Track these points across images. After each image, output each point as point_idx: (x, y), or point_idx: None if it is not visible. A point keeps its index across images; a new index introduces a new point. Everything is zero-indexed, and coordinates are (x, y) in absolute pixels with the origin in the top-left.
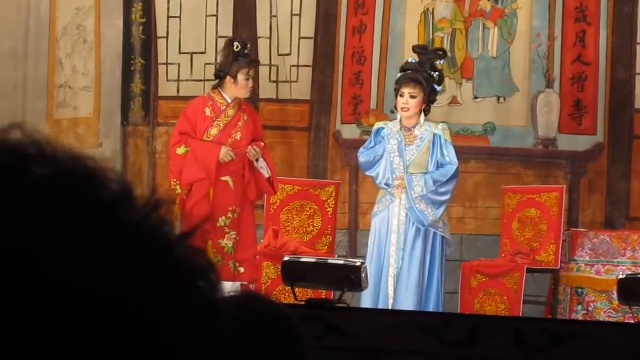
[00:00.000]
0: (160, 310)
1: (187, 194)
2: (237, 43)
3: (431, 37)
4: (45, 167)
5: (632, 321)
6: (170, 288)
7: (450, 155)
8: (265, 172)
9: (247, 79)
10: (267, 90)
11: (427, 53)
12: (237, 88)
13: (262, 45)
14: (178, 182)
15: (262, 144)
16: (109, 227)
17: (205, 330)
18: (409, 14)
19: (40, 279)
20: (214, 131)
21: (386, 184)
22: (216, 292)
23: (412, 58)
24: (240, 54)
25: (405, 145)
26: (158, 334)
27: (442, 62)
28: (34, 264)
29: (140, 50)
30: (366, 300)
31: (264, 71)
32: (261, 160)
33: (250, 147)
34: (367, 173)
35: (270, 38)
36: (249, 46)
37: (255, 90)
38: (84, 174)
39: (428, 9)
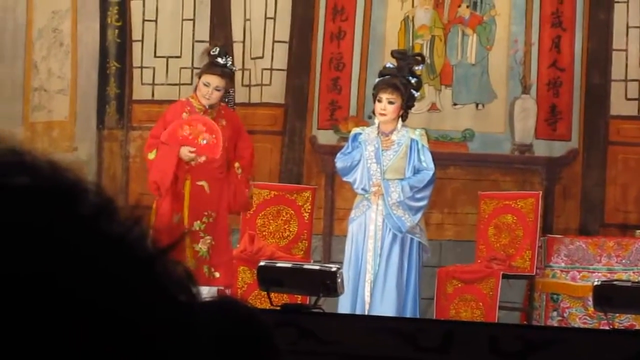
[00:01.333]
0: (141, 325)
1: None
2: (215, 48)
3: (411, 43)
4: (25, 177)
5: (607, 327)
6: (151, 302)
7: (427, 160)
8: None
9: (206, 85)
10: (239, 95)
11: (406, 58)
12: (198, 92)
13: (237, 49)
14: (148, 186)
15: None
16: (90, 239)
17: (185, 342)
18: (389, 20)
19: (17, 291)
20: None
21: (363, 189)
22: (196, 304)
23: (390, 63)
24: (212, 59)
25: (383, 150)
26: (138, 347)
27: (420, 67)
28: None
29: (115, 54)
30: (343, 306)
31: (236, 75)
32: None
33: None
34: (345, 179)
35: (243, 42)
36: (225, 57)
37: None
38: (64, 185)
39: (408, 16)
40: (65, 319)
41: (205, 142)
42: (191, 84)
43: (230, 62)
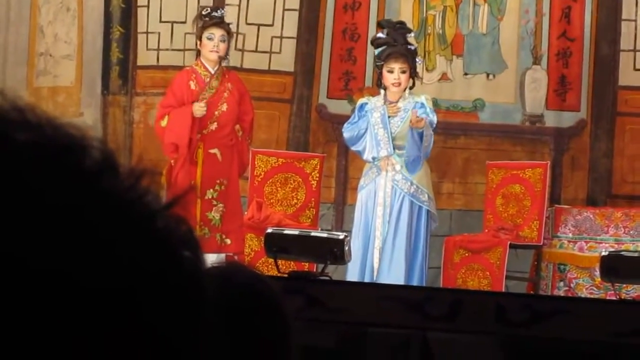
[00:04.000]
0: (142, 285)
1: (175, 162)
2: (205, 8)
3: (424, 15)
4: (28, 134)
5: (614, 298)
6: (152, 260)
7: (431, 115)
8: None
9: (210, 39)
10: (232, 59)
11: (396, 27)
12: (203, 49)
13: (232, 13)
14: (164, 151)
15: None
16: (91, 196)
17: (189, 304)
18: None
19: (13, 248)
20: None
21: (373, 157)
22: (200, 261)
23: (380, 33)
24: (206, 16)
25: (389, 117)
26: (142, 310)
27: (412, 35)
28: (11, 236)
29: (120, 19)
30: (352, 273)
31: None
32: None
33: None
34: (353, 148)
35: (239, 5)
36: (219, 10)
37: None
38: (66, 141)
39: None
40: (64, 275)
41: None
42: (195, 49)
43: (224, 14)
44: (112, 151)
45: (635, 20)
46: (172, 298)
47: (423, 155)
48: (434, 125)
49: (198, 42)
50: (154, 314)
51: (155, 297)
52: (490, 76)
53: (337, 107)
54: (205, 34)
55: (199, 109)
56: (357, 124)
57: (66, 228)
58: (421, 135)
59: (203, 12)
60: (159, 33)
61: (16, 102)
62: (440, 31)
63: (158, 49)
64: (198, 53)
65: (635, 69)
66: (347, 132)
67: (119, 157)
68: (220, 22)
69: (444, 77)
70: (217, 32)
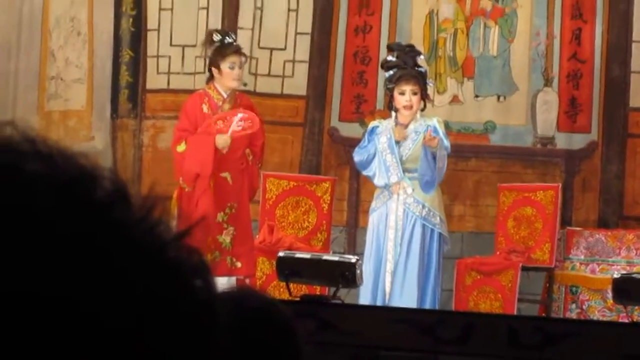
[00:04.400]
0: (155, 314)
1: (194, 189)
2: (216, 33)
3: (435, 37)
4: (39, 165)
5: (626, 320)
6: (165, 290)
7: (445, 140)
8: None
9: (232, 68)
10: (251, 84)
11: (406, 51)
12: (223, 78)
13: (244, 37)
14: (183, 179)
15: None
16: (102, 227)
17: (202, 331)
18: (414, 15)
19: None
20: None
21: (385, 184)
22: (212, 289)
23: (390, 56)
24: (221, 43)
25: (396, 142)
26: (154, 338)
27: (422, 57)
28: (23, 268)
29: (129, 42)
30: (364, 296)
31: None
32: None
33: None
34: (364, 173)
35: (252, 29)
36: (231, 35)
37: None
38: (77, 172)
39: (432, 10)
40: (76, 305)
41: (240, 127)
42: (204, 72)
43: (235, 40)
44: (123, 181)
45: None
46: (185, 326)
47: (438, 177)
48: (448, 151)
49: (216, 70)
50: (167, 343)
51: (168, 326)
52: (501, 98)
53: (349, 130)
54: (226, 64)
55: (223, 142)
56: (367, 148)
57: (78, 258)
58: (434, 156)
59: (215, 38)
60: (170, 57)
61: (27, 133)
62: (451, 53)
63: (169, 73)
64: (211, 77)
65: None
66: (357, 155)
67: (130, 185)
68: (239, 49)
69: (455, 99)
70: (237, 60)
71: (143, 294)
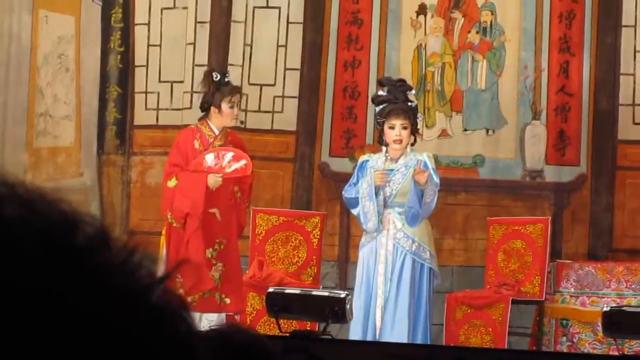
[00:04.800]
0: (135, 357)
1: (182, 225)
2: (215, 73)
3: (423, 71)
4: (18, 209)
5: (617, 353)
6: (145, 335)
7: (435, 177)
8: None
9: (232, 107)
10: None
11: (397, 85)
12: (222, 117)
13: (234, 74)
14: (172, 215)
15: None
16: (83, 272)
17: None
18: (402, 49)
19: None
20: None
21: (368, 229)
22: (192, 333)
23: (381, 91)
24: (220, 83)
25: (377, 186)
26: None
27: (413, 92)
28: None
29: (117, 79)
30: (355, 331)
31: None
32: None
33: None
34: (352, 211)
35: (242, 66)
36: (228, 74)
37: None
38: (58, 217)
39: (420, 44)
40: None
41: (232, 169)
42: (191, 108)
43: (229, 78)
44: (105, 226)
45: (634, 74)
46: None
47: (423, 212)
48: (437, 187)
49: (215, 109)
50: None
51: None
52: (490, 132)
53: (339, 165)
54: (226, 103)
55: (215, 181)
56: (355, 187)
57: (56, 304)
58: (422, 194)
59: (214, 78)
60: (159, 92)
61: (5, 178)
62: (439, 87)
63: (157, 109)
64: (205, 114)
65: (635, 123)
66: (346, 193)
67: (111, 217)
68: (238, 89)
69: (443, 133)
70: (235, 100)
71: (124, 339)
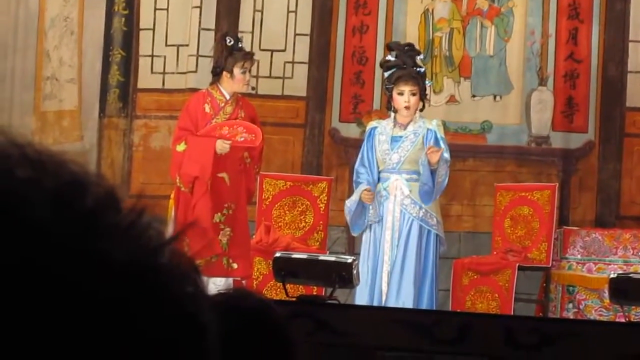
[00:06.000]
0: (146, 320)
1: (190, 190)
2: (229, 37)
3: (431, 37)
4: (28, 170)
5: (623, 320)
6: (153, 298)
7: (446, 153)
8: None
9: (244, 72)
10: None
11: (405, 50)
12: (234, 82)
13: (245, 40)
14: (180, 179)
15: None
16: (93, 233)
17: (193, 337)
18: (410, 14)
19: (16, 287)
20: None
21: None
22: (202, 296)
23: (389, 55)
24: (234, 47)
25: (399, 141)
26: (145, 343)
27: (421, 57)
28: (10, 271)
29: (121, 42)
30: (361, 296)
31: None
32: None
33: (220, 141)
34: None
35: (252, 32)
36: (241, 39)
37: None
38: (68, 178)
39: (427, 9)
40: (66, 313)
41: (242, 139)
42: (196, 71)
43: (243, 44)
44: (112, 186)
45: None
46: (175, 334)
47: (436, 190)
48: (448, 163)
49: (227, 74)
50: (156, 350)
51: (157, 333)
52: (498, 97)
53: (348, 130)
54: (239, 68)
55: (222, 147)
56: (363, 176)
57: (68, 263)
58: (434, 172)
59: (228, 43)
60: (165, 56)
61: (16, 139)
62: (447, 53)
63: (164, 72)
64: (217, 78)
65: None
66: (347, 212)
67: (114, 181)
68: (251, 55)
69: (451, 99)
70: (248, 66)
71: (133, 299)
